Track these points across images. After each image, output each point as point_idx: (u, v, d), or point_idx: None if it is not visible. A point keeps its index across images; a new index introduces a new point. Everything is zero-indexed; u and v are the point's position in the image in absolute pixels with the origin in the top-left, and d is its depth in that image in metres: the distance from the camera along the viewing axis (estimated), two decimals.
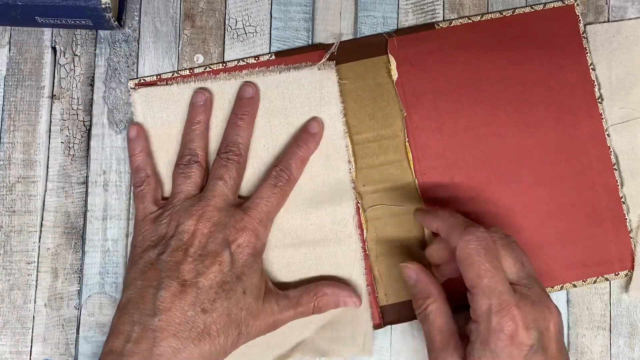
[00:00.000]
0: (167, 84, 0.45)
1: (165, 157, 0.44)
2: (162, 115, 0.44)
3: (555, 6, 0.46)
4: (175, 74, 0.45)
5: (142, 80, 0.45)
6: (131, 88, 0.45)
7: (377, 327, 0.43)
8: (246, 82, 0.44)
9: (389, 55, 0.45)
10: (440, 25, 0.46)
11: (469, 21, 0.46)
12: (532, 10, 0.46)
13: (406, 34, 0.45)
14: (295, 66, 0.45)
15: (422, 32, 0.45)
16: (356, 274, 0.43)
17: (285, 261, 0.43)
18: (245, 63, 0.45)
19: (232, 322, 0.38)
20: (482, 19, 0.46)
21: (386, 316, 0.43)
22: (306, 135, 0.43)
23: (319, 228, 0.43)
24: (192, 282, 0.37)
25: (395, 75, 0.45)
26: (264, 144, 0.44)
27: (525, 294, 0.35)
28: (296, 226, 0.43)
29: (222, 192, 0.40)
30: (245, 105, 0.43)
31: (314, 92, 0.44)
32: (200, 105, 0.43)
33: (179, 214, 0.40)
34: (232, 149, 0.42)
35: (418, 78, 0.45)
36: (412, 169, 0.44)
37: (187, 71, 0.45)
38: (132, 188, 0.44)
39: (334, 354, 0.42)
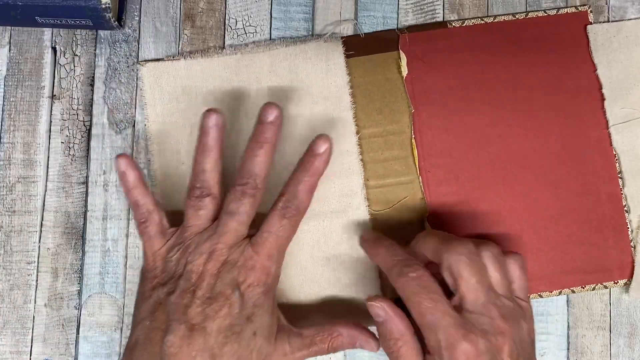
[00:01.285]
0: (174, 59, 0.45)
1: (174, 130, 0.44)
2: (169, 90, 0.45)
3: (568, 12, 0.46)
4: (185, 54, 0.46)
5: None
6: (138, 63, 0.45)
7: None
8: (268, 102, 0.40)
9: (400, 51, 0.45)
10: (453, 24, 0.45)
11: (482, 22, 0.46)
12: (546, 14, 0.46)
13: (418, 31, 0.45)
14: (301, 39, 0.45)
15: (434, 29, 0.45)
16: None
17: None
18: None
19: None
20: (495, 20, 0.46)
21: None
22: (312, 158, 0.40)
23: (327, 200, 0.44)
24: (200, 326, 0.36)
25: (405, 71, 0.45)
26: None
27: (476, 322, 0.35)
28: None
29: (233, 228, 0.38)
30: (266, 130, 0.40)
31: (320, 64, 0.45)
32: (212, 127, 0.40)
33: (188, 252, 0.38)
34: (248, 182, 0.39)
35: (428, 75, 0.45)
36: (417, 166, 0.44)
37: (199, 53, 0.45)
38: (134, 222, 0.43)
39: None
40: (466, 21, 0.46)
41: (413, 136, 0.44)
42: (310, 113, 0.44)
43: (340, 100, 0.44)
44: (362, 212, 0.44)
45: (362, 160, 0.44)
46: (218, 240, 0.38)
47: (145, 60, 0.45)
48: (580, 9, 0.46)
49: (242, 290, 0.37)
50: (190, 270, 0.38)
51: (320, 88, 0.44)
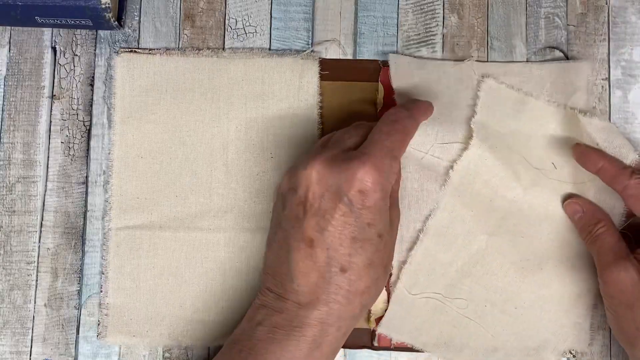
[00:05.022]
0: (150, 53, 0.45)
1: (138, 123, 0.44)
2: (141, 83, 0.45)
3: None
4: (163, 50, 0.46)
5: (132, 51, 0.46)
6: (114, 52, 0.45)
7: None
8: None
9: (379, 83, 0.45)
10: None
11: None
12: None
13: None
14: (279, 52, 0.45)
15: None
16: None
17: (240, 244, 0.44)
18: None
19: (376, 266, 0.36)
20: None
21: None
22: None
23: None
24: (319, 239, 0.35)
25: (380, 104, 0.45)
26: (236, 126, 0.44)
27: None
28: (257, 211, 0.44)
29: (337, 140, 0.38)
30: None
31: (294, 80, 0.45)
32: None
33: (297, 164, 0.37)
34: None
35: None
36: None
37: (177, 50, 0.46)
38: None
39: None
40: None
41: None
42: (276, 126, 0.44)
43: (307, 118, 0.45)
44: None
45: None
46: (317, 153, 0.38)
47: (123, 48, 0.45)
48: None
49: (352, 196, 0.35)
50: (296, 181, 0.37)
51: (290, 103, 0.45)
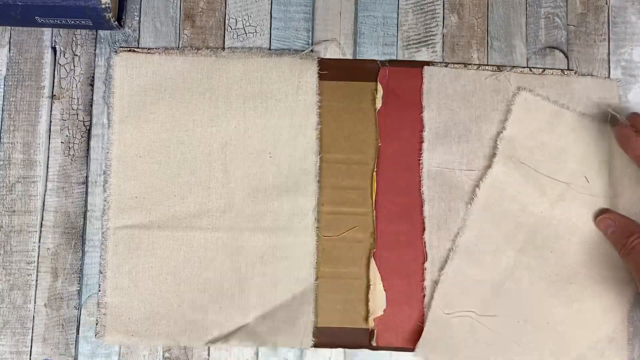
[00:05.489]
0: (149, 53, 0.45)
1: (137, 122, 0.44)
2: (140, 82, 0.45)
3: (553, 73, 0.45)
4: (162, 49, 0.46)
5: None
6: (113, 51, 0.45)
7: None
8: None
9: (378, 83, 0.45)
10: (437, 65, 0.45)
11: (465, 68, 0.45)
12: (531, 71, 0.46)
13: (400, 66, 0.45)
14: (277, 52, 0.45)
15: (416, 68, 0.45)
16: (306, 267, 0.43)
17: (239, 244, 0.44)
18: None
19: None
20: (479, 69, 0.45)
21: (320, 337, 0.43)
22: None
23: (277, 216, 0.44)
24: None
25: (379, 104, 0.45)
26: (235, 125, 0.44)
27: None
28: (255, 211, 0.44)
29: None
30: None
31: (293, 80, 0.45)
32: None
33: None
34: None
35: (400, 112, 0.45)
36: (373, 200, 0.44)
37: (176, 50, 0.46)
38: None
39: (271, 344, 0.43)
40: (449, 65, 0.45)
41: (375, 169, 0.44)
42: (275, 125, 0.44)
43: (306, 118, 0.44)
44: (310, 234, 0.44)
45: (319, 183, 0.44)
46: None
47: (122, 48, 0.45)
48: (566, 72, 0.45)
49: None
50: None
51: (288, 102, 0.45)
